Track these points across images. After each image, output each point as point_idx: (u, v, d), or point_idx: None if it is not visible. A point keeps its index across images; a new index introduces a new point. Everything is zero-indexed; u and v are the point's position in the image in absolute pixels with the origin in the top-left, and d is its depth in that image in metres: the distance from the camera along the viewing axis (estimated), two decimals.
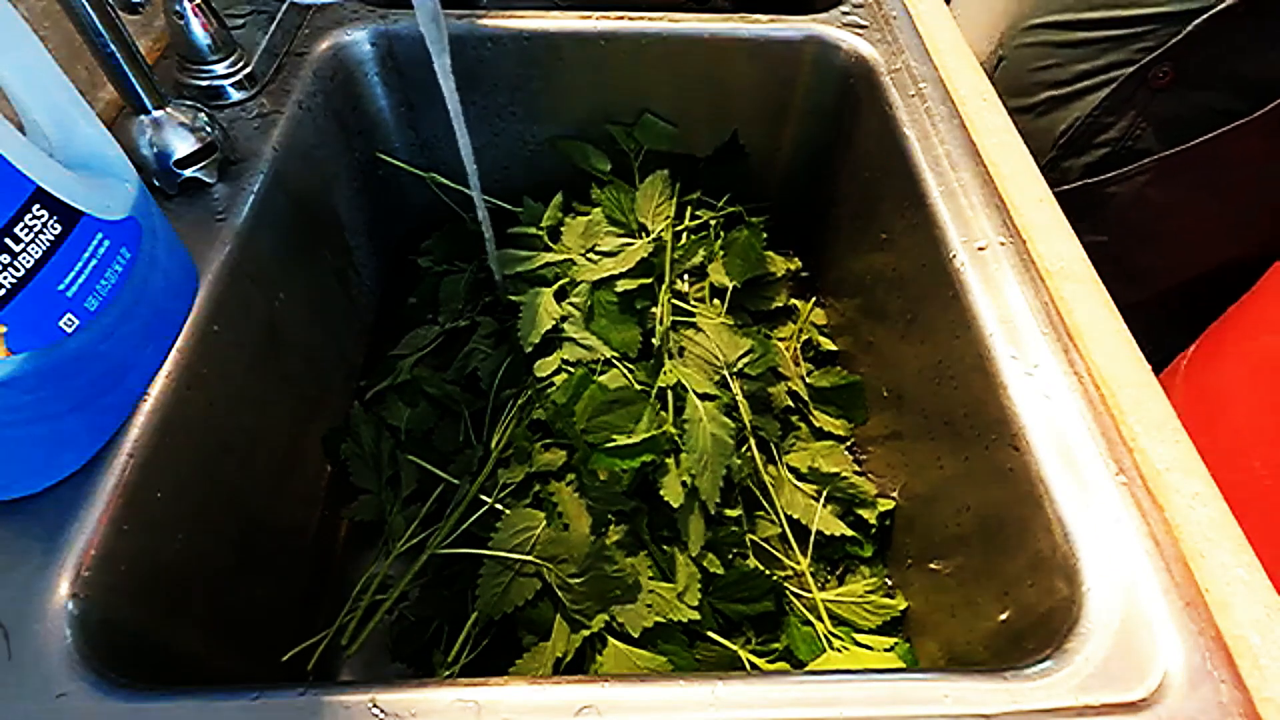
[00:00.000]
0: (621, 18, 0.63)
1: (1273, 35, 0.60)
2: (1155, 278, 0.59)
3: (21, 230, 0.32)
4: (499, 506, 0.53)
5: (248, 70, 0.55)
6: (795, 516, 0.55)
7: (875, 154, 0.61)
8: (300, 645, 0.49)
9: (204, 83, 0.54)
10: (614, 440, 0.50)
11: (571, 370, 0.57)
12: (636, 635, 0.48)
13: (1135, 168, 0.67)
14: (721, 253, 0.68)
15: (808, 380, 0.65)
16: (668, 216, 0.67)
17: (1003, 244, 0.49)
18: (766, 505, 0.55)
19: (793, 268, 0.73)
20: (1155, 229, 0.69)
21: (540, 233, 0.65)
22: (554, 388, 0.56)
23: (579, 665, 0.48)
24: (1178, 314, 0.55)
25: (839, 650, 0.51)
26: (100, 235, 0.36)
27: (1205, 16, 0.60)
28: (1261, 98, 0.61)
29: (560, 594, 0.48)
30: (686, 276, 0.68)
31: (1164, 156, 0.65)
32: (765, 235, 0.69)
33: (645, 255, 0.61)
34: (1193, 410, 0.42)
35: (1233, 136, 0.63)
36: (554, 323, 0.59)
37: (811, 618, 0.52)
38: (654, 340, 0.59)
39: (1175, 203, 0.68)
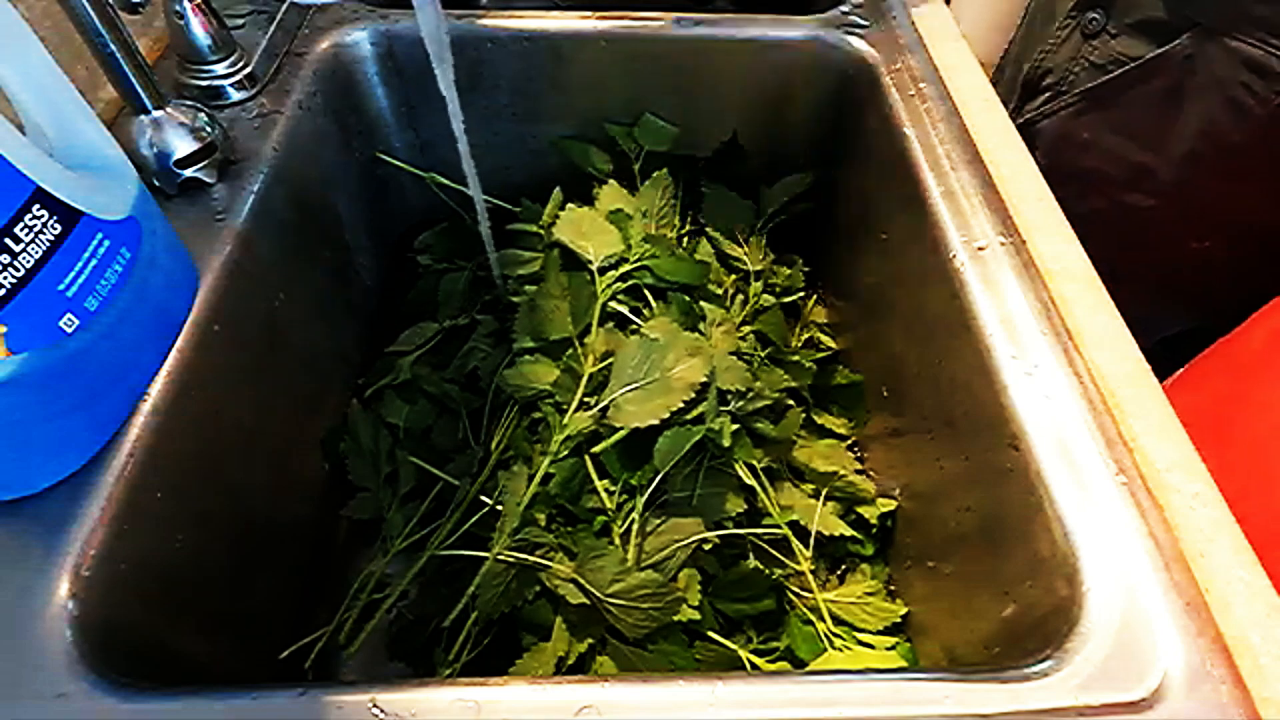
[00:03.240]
0: (621, 17, 0.63)
1: None
2: (1079, 222, 0.61)
3: (21, 230, 0.32)
4: (499, 507, 0.52)
5: (248, 70, 0.55)
6: (796, 517, 0.55)
7: (875, 154, 0.61)
8: (297, 644, 0.49)
9: (204, 83, 0.54)
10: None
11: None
12: (637, 636, 0.48)
13: (1060, 103, 0.71)
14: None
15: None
16: (671, 221, 0.67)
17: (1003, 244, 0.49)
18: (767, 504, 0.55)
19: None
20: (1075, 168, 0.72)
21: (540, 230, 0.64)
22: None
23: (579, 665, 0.48)
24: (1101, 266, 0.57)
25: (840, 650, 0.51)
26: (100, 235, 0.36)
27: None
28: (1169, 41, 0.63)
29: (561, 596, 0.48)
30: None
31: (1082, 91, 0.69)
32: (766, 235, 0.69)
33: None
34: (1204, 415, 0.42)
35: (1137, 74, 0.65)
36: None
37: (813, 617, 0.52)
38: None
39: (1091, 141, 0.71)
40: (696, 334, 0.56)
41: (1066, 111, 0.71)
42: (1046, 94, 0.73)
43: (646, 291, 0.60)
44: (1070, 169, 0.71)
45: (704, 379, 0.50)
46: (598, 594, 0.47)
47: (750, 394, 0.55)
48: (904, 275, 0.56)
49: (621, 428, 0.50)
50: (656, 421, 0.49)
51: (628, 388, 0.51)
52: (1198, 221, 0.69)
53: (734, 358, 0.57)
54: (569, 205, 0.64)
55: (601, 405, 0.51)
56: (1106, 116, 0.69)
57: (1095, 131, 0.70)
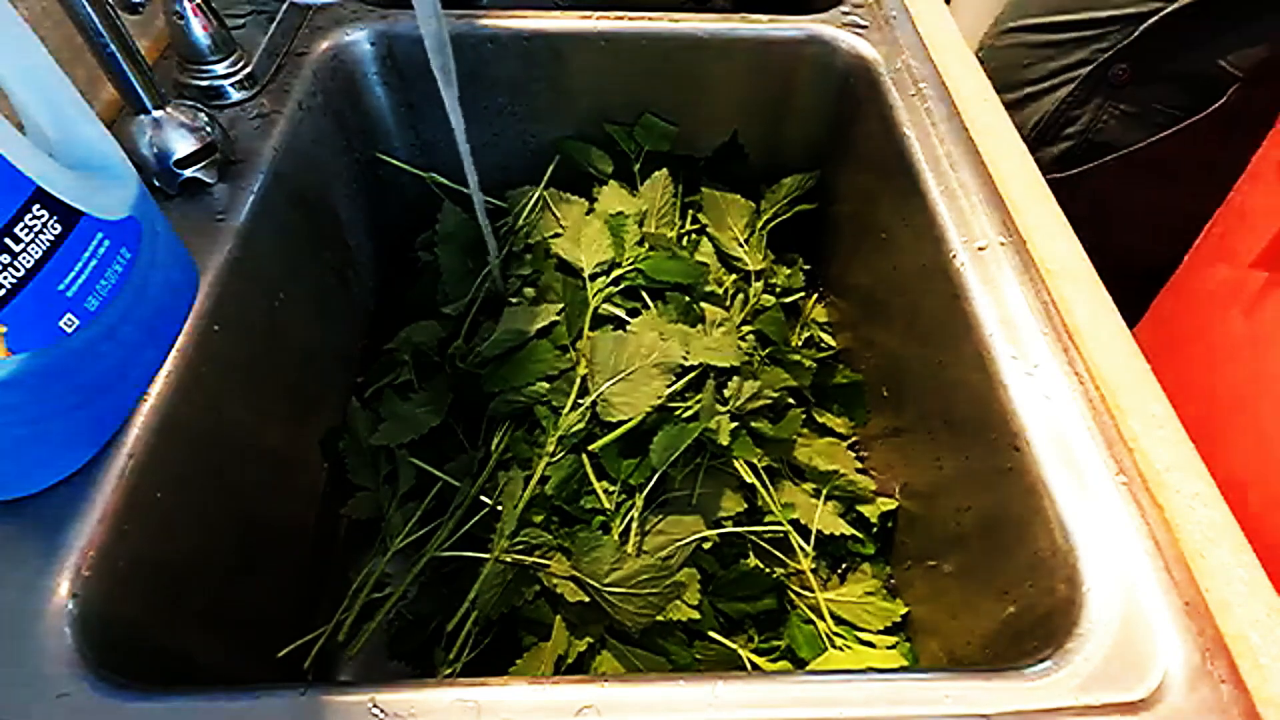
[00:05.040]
0: (621, 18, 0.63)
1: (1218, 35, 0.63)
2: (1103, 255, 0.62)
3: (21, 230, 0.32)
4: (499, 508, 0.52)
5: (248, 70, 0.55)
6: (796, 515, 0.55)
7: (875, 154, 0.61)
8: (296, 642, 0.49)
9: (204, 83, 0.54)
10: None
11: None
12: (636, 635, 0.48)
13: (1098, 164, 0.72)
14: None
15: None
16: (671, 220, 0.67)
17: (1003, 244, 0.49)
18: (768, 502, 0.55)
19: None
20: (1108, 210, 0.73)
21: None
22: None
23: (579, 664, 0.48)
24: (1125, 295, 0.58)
25: (841, 649, 0.51)
26: (100, 235, 0.36)
27: (1155, 18, 0.65)
28: (1211, 95, 0.65)
29: (560, 595, 0.48)
30: None
31: (1124, 154, 0.70)
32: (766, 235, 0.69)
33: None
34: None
35: (1186, 134, 0.67)
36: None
37: (813, 616, 0.52)
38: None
39: (1129, 193, 0.72)
40: (680, 326, 0.57)
41: (1112, 170, 0.72)
42: (1068, 143, 0.74)
43: (645, 294, 0.60)
44: (1104, 213, 0.72)
45: (682, 359, 0.51)
46: (596, 584, 0.47)
47: (744, 372, 0.55)
48: (904, 275, 0.56)
49: (618, 422, 0.50)
50: (650, 409, 0.50)
51: (610, 381, 0.51)
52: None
53: (722, 336, 0.57)
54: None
55: (590, 402, 0.51)
56: (1153, 172, 0.70)
57: (1138, 185, 0.72)
